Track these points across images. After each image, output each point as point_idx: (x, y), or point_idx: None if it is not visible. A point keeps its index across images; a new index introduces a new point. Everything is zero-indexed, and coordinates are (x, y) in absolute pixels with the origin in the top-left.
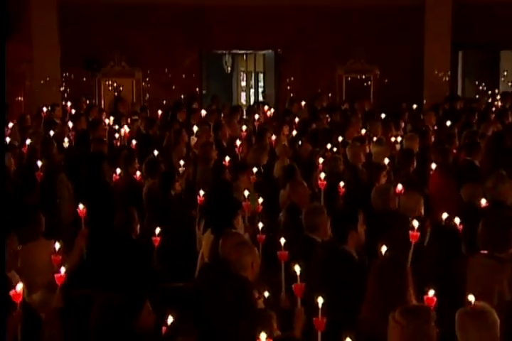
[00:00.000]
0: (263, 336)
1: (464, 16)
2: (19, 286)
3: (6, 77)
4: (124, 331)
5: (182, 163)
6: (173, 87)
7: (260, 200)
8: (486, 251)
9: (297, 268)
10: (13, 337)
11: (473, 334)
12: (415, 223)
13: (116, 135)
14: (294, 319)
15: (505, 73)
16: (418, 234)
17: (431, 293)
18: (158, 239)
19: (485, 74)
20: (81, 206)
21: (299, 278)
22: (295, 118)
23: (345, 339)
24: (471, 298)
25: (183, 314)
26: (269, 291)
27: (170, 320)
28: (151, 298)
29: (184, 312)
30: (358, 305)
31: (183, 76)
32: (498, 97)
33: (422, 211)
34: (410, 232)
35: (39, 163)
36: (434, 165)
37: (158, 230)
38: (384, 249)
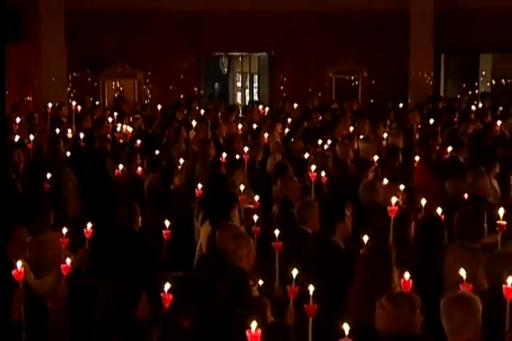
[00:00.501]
0: (254, 325)
1: (446, 22)
2: (19, 264)
3: (16, 78)
4: (123, 319)
5: (181, 159)
6: (172, 88)
7: (257, 198)
8: (460, 242)
9: (294, 272)
10: (17, 315)
11: (459, 318)
12: (393, 199)
13: (118, 129)
14: (286, 315)
15: (484, 74)
16: (396, 208)
17: (406, 276)
18: (169, 232)
19: (465, 76)
20: (89, 226)
21: (293, 281)
22: (288, 116)
23: (342, 324)
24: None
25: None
26: (263, 280)
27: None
28: (150, 288)
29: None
30: (345, 292)
31: (182, 77)
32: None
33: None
34: (389, 208)
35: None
36: (417, 160)
37: (168, 223)
38: (366, 238)
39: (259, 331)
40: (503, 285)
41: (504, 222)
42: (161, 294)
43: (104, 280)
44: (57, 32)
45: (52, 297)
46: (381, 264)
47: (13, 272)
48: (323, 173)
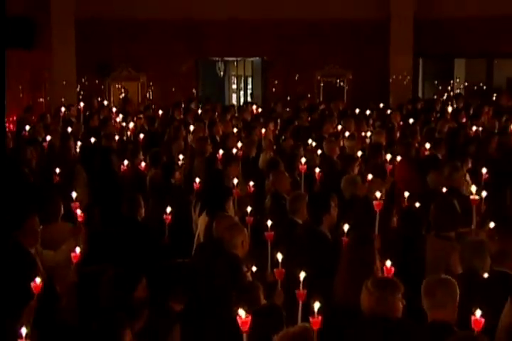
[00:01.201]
0: (242, 312)
1: (424, 30)
2: (38, 280)
3: (30, 81)
4: (125, 302)
5: (181, 155)
6: (173, 90)
7: (251, 183)
8: (436, 231)
9: (280, 256)
10: (25, 323)
11: (440, 295)
12: (378, 194)
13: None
14: (275, 295)
15: (458, 78)
16: (381, 202)
17: (388, 263)
18: (170, 216)
19: (441, 79)
20: (78, 212)
21: (280, 264)
22: (279, 116)
23: (313, 303)
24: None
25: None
26: (256, 266)
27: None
28: (151, 273)
29: (178, 283)
30: (332, 278)
31: (182, 80)
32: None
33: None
34: (374, 202)
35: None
36: (399, 157)
37: (169, 209)
38: (346, 227)
39: (249, 317)
40: (472, 317)
41: (477, 197)
42: None
43: (110, 265)
44: (68, 39)
45: (62, 282)
46: (363, 252)
47: (32, 285)
48: (317, 170)
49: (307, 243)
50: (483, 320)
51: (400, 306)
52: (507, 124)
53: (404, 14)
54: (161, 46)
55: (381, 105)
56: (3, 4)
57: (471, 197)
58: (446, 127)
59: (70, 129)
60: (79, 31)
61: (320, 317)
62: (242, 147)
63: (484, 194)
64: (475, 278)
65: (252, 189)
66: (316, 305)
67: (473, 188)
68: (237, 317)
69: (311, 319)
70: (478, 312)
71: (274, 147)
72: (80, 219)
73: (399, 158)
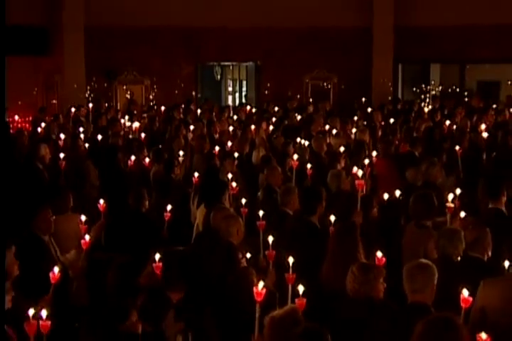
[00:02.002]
0: (260, 284)
1: (404, 37)
2: (56, 270)
3: (43, 84)
4: (130, 285)
5: (181, 152)
6: (176, 92)
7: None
8: (415, 221)
9: (270, 238)
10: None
11: (420, 280)
12: (359, 172)
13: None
14: (267, 276)
15: (434, 81)
16: (363, 181)
17: (379, 254)
18: (169, 214)
19: (419, 82)
20: (101, 201)
21: (271, 246)
22: (271, 116)
23: (297, 286)
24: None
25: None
26: (250, 253)
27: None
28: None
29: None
30: (319, 263)
31: (182, 83)
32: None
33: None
34: (356, 182)
35: (62, 155)
36: (375, 153)
37: (169, 207)
38: (333, 218)
39: (264, 289)
40: (461, 296)
41: (452, 205)
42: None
43: (117, 253)
44: (78, 46)
45: (73, 268)
46: (347, 240)
47: (51, 275)
48: (308, 165)
49: (297, 231)
50: (471, 298)
51: (381, 288)
52: (477, 123)
53: (384, 23)
54: (163, 52)
55: (364, 101)
56: (3, 12)
57: (447, 204)
58: (423, 126)
59: (81, 129)
60: (88, 38)
61: (304, 299)
62: (236, 144)
63: (458, 191)
64: (449, 263)
65: (236, 189)
66: (301, 288)
67: (451, 196)
68: (254, 288)
69: (296, 300)
70: (465, 292)
71: (267, 144)
72: (101, 209)
73: (375, 154)
